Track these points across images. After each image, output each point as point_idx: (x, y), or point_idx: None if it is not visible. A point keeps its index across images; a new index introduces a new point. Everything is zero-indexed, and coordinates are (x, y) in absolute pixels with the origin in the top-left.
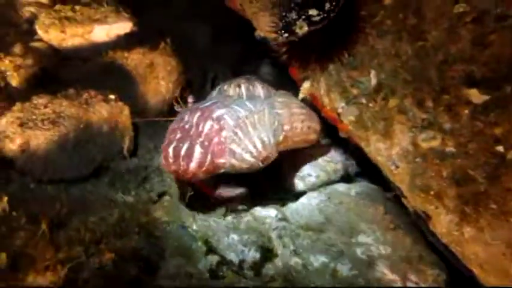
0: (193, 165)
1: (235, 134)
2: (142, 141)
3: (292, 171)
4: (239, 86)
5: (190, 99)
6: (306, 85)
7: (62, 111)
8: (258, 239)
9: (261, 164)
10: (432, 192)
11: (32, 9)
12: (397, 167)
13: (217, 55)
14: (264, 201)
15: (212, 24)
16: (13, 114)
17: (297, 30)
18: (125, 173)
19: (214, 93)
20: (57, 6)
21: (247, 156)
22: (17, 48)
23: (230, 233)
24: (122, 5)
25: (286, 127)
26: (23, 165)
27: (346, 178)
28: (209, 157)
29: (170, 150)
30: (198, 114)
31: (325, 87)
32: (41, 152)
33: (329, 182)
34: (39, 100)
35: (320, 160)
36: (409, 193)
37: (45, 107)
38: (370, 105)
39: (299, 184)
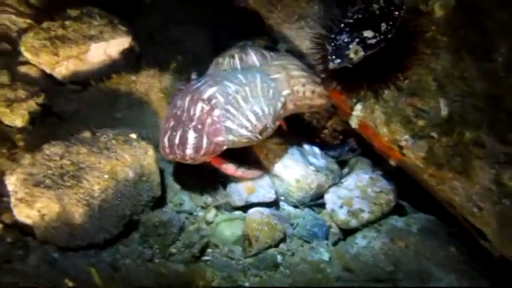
0: (189, 151)
1: (227, 111)
2: (168, 181)
3: None
4: (232, 57)
5: (193, 76)
6: (358, 112)
7: (82, 161)
8: None
9: (259, 136)
10: None
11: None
12: (479, 209)
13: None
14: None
15: (209, 28)
16: (24, 169)
17: (351, 56)
18: (157, 226)
19: (211, 67)
20: (45, 24)
21: (244, 131)
22: (4, 77)
23: None
24: (114, 15)
25: (285, 91)
26: (44, 232)
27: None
28: (205, 139)
29: (165, 140)
30: (189, 97)
31: (382, 116)
32: (65, 216)
33: (383, 216)
34: (52, 149)
35: (370, 191)
36: (496, 239)
37: (61, 157)
38: (443, 139)
39: (351, 221)
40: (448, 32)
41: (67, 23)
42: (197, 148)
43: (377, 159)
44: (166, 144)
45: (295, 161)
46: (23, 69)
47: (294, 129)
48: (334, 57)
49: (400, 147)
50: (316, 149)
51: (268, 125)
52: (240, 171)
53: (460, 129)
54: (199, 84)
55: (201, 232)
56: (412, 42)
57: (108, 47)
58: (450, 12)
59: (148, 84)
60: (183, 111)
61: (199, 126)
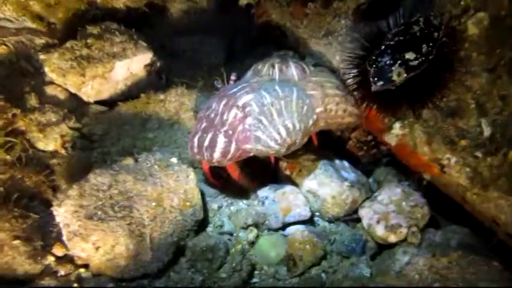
0: (216, 155)
1: (260, 121)
2: (206, 202)
3: None
4: (273, 66)
5: (233, 77)
6: (397, 131)
7: (129, 190)
8: None
9: (286, 150)
10: None
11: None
12: None
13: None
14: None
15: (227, 39)
16: (74, 201)
17: (395, 78)
18: (204, 251)
19: (249, 72)
20: (69, 43)
21: (272, 144)
22: (32, 100)
23: None
24: (134, 30)
25: (319, 109)
26: (98, 265)
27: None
28: (233, 145)
29: (195, 140)
30: (224, 101)
31: (423, 135)
32: (120, 248)
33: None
34: (99, 179)
35: (404, 205)
36: None
37: (109, 187)
38: (488, 159)
39: (390, 236)
40: (484, 50)
41: (90, 41)
42: (225, 153)
43: (403, 170)
44: (196, 144)
45: (330, 177)
46: (48, 89)
47: (320, 141)
48: (376, 79)
49: (442, 166)
50: (346, 163)
51: (297, 141)
52: (242, 180)
53: (503, 149)
54: (236, 89)
55: (245, 254)
56: (448, 60)
57: (131, 64)
58: (485, 30)
59: (178, 103)
60: (217, 114)
61: (230, 132)
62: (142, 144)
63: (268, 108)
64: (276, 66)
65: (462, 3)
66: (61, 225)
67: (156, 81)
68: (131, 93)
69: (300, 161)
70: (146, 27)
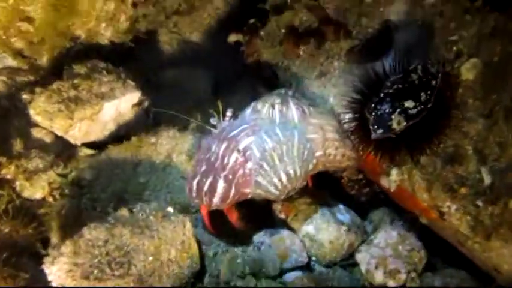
0: (216, 200)
1: (261, 166)
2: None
3: None
4: (273, 107)
5: (229, 113)
6: (394, 177)
7: (126, 244)
8: None
9: (285, 196)
10: None
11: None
12: None
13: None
14: None
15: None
16: (68, 259)
17: (395, 126)
18: None
19: (248, 111)
20: (55, 85)
21: (273, 189)
22: (17, 145)
23: None
24: (121, 68)
25: (319, 153)
26: None
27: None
28: (233, 189)
29: (194, 184)
30: (225, 145)
31: (422, 182)
32: None
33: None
34: (94, 233)
35: (401, 249)
36: None
37: (105, 242)
38: (489, 208)
39: (389, 282)
40: (479, 96)
41: (77, 81)
42: (224, 198)
43: (396, 208)
44: (195, 188)
45: (327, 222)
46: (33, 132)
47: (314, 182)
48: (376, 127)
49: (442, 213)
50: (340, 205)
51: (297, 186)
52: (239, 224)
53: (505, 198)
54: (236, 131)
55: None
56: (445, 106)
57: (119, 104)
58: (479, 76)
59: (170, 145)
60: (217, 158)
61: (230, 177)
62: (134, 189)
63: (269, 153)
64: (276, 107)
65: (455, 48)
66: (54, 284)
67: (144, 119)
68: (119, 133)
69: (295, 205)
70: (131, 61)
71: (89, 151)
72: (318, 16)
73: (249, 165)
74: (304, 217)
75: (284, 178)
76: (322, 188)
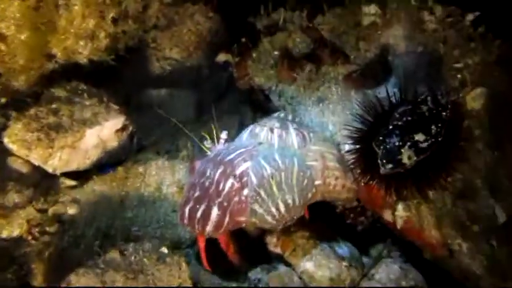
0: (209, 228)
1: (258, 194)
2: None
3: None
4: (271, 131)
5: (223, 135)
6: (401, 212)
7: None
8: None
9: (282, 226)
10: None
11: None
12: None
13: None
14: None
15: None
16: None
17: (405, 161)
18: None
19: (245, 134)
20: (33, 110)
21: (269, 219)
22: None
23: None
24: (100, 88)
25: (318, 182)
26: None
27: None
28: (227, 217)
29: (186, 210)
30: (221, 170)
31: (431, 218)
32: None
33: None
34: (83, 281)
35: (404, 284)
36: None
37: None
38: (504, 248)
39: None
40: (486, 126)
41: (56, 106)
42: (217, 226)
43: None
44: (187, 215)
45: (327, 258)
46: (8, 161)
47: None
48: (385, 161)
49: (451, 252)
50: (339, 238)
51: (295, 216)
52: (234, 256)
53: None
54: (233, 156)
55: None
56: (453, 138)
57: (102, 130)
58: (486, 105)
59: (159, 177)
60: (212, 183)
61: (225, 204)
62: (121, 224)
63: (267, 180)
64: (275, 131)
65: (459, 76)
66: None
67: (128, 145)
68: (101, 161)
69: (293, 239)
70: (111, 80)
71: (71, 182)
72: (313, 38)
73: (245, 192)
74: (303, 253)
75: (282, 207)
76: (319, 218)
